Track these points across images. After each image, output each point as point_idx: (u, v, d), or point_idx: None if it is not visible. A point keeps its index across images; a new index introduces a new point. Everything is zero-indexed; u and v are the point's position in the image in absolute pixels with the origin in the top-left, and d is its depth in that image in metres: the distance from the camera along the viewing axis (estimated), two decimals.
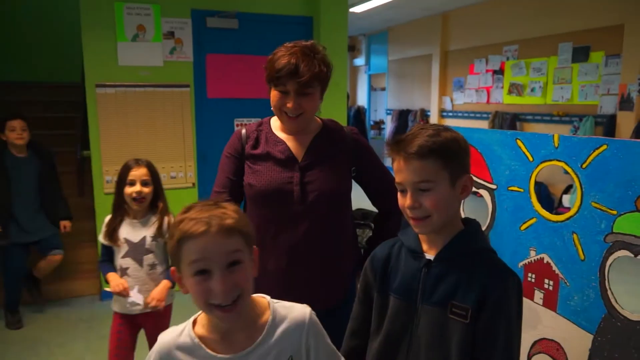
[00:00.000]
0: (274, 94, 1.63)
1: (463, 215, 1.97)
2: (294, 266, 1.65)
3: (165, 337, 1.11)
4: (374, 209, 1.91)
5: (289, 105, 1.60)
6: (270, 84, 1.65)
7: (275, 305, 1.14)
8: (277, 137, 1.72)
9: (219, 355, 1.06)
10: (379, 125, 12.19)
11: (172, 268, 1.08)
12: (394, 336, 1.23)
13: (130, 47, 3.85)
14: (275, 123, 1.76)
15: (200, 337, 1.08)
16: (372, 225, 1.94)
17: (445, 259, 1.19)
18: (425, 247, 1.23)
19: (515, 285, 1.15)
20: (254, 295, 1.13)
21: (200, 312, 1.11)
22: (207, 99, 4.19)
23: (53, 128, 5.57)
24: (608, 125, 5.90)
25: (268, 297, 1.16)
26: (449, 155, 1.16)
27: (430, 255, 1.21)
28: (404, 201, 1.19)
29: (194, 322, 1.11)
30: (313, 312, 1.16)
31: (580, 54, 6.34)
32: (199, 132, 4.18)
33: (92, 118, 3.85)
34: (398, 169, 1.19)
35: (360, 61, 12.11)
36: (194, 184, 4.20)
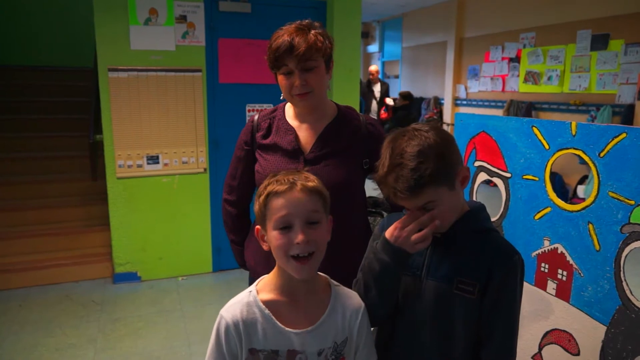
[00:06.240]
0: (280, 80, 1.61)
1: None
2: None
3: (232, 310, 1.14)
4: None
5: (296, 83, 1.57)
6: (274, 70, 1.62)
7: (335, 286, 1.23)
8: (289, 125, 1.69)
9: (288, 329, 1.12)
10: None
11: (257, 227, 1.18)
12: (398, 308, 1.26)
13: (142, 31, 3.83)
14: (289, 110, 1.73)
15: (267, 303, 1.14)
16: (384, 214, 1.90)
17: (452, 237, 1.20)
18: None
19: (520, 264, 1.19)
20: None
21: (259, 280, 1.21)
22: (219, 84, 4.17)
23: (66, 112, 5.62)
24: (626, 115, 5.79)
25: (328, 277, 1.24)
26: (442, 172, 1.11)
27: (436, 233, 1.22)
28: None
29: (257, 292, 1.17)
30: None
31: (599, 42, 6.21)
32: (211, 117, 4.16)
33: (105, 102, 3.85)
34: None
35: (373, 48, 12.01)
36: (205, 169, 4.19)
